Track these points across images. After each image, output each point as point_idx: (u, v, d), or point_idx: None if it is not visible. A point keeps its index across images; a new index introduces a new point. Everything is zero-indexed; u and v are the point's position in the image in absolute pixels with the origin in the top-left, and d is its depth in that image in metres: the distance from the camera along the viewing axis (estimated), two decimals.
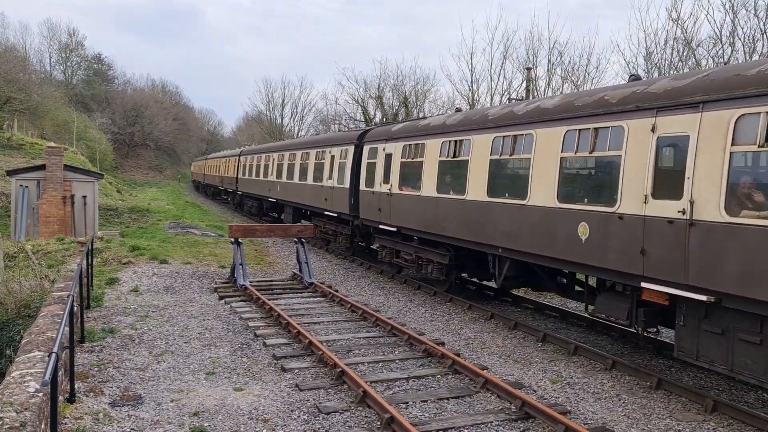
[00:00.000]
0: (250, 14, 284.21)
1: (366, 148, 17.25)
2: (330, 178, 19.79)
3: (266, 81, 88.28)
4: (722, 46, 21.64)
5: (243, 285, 14.04)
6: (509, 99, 15.56)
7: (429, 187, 13.50)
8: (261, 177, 29.99)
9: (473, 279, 14.88)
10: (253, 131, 74.05)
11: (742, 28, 21.37)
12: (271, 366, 8.95)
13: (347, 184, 18.24)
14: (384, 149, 15.90)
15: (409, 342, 10.15)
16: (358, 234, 18.78)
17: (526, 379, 8.71)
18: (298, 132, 62.98)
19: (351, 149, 18.38)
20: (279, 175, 26.43)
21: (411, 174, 14.52)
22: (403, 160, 14.83)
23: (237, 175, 36.62)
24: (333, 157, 19.80)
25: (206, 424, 6.81)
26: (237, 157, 37.64)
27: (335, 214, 19.55)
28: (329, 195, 19.80)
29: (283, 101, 66.36)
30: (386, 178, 15.56)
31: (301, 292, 14.32)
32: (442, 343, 10.21)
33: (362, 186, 17.14)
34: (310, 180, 22.07)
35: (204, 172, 56.59)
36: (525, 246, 10.40)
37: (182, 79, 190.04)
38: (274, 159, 27.93)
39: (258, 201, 31.76)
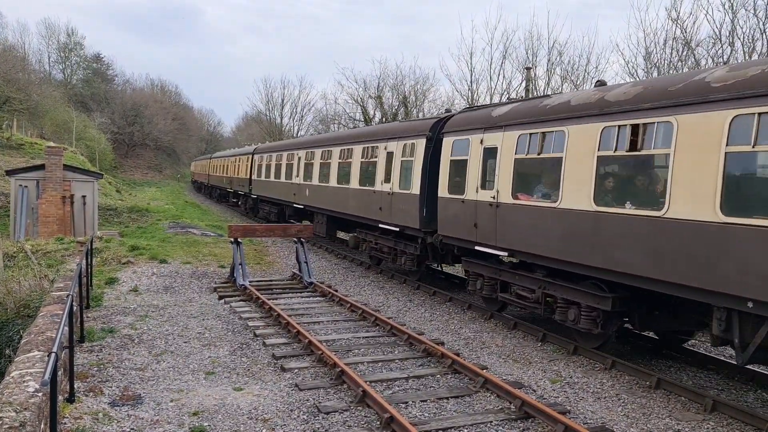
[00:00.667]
0: (250, 14, 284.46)
1: (448, 142, 13.10)
2: (387, 181, 15.64)
3: (266, 81, 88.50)
4: (722, 46, 21.66)
5: (242, 285, 14.04)
6: (509, 99, 14.81)
7: (576, 195, 9.27)
8: (283, 179, 25.80)
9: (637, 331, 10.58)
10: (252, 131, 74.08)
11: (742, 28, 21.40)
12: (271, 366, 8.95)
13: (416, 190, 14.16)
14: (482, 141, 11.78)
15: (409, 342, 10.15)
16: (430, 255, 14.58)
17: (525, 378, 8.72)
18: (298, 131, 63.01)
19: (421, 143, 14.22)
20: (308, 176, 22.26)
21: (537, 176, 10.70)
22: (521, 156, 10.72)
23: (250, 176, 32.64)
24: (390, 154, 15.68)
25: (206, 424, 6.81)
26: (249, 156, 33.49)
27: (395, 228, 15.29)
28: (386, 203, 15.65)
29: (283, 101, 66.44)
30: (487, 182, 11.62)
31: (300, 292, 14.32)
32: (442, 343, 10.22)
33: (442, 192, 13.12)
34: (354, 183, 17.80)
35: (208, 172, 52.42)
36: None
37: (182, 78, 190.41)
38: (300, 158, 23.65)
39: (278, 206, 27.54)
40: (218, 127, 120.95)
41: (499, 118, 11.57)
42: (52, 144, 26.28)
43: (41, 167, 23.10)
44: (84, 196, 23.16)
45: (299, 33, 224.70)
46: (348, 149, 18.63)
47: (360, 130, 20.64)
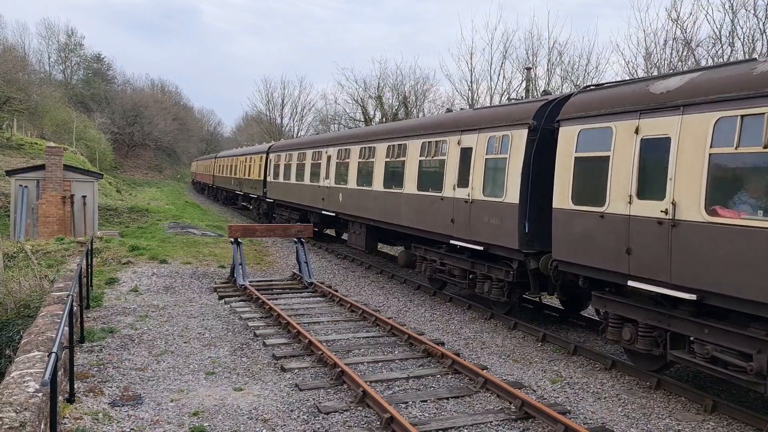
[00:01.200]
0: (248, 13, 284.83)
1: (570, 132, 9.60)
2: (463, 185, 12.25)
3: (266, 81, 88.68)
4: (722, 46, 21.67)
5: (243, 285, 14.04)
6: (509, 99, 14.24)
7: None
8: (306, 181, 22.51)
9: None
10: (253, 131, 74.15)
11: (742, 28, 21.42)
12: (271, 366, 8.95)
13: (513, 198, 10.82)
14: (637, 130, 8.34)
15: (409, 342, 10.15)
16: (532, 283, 10.99)
17: (525, 378, 8.72)
18: (298, 132, 63.05)
19: (520, 135, 10.83)
20: (341, 178, 19.00)
21: (760, 181, 6.98)
22: (723, 150, 7.24)
23: (264, 177, 29.48)
24: (467, 150, 12.27)
25: (206, 424, 6.81)
26: (263, 155, 30.16)
27: (476, 247, 11.89)
28: (461, 214, 12.27)
29: (283, 101, 66.54)
30: (651, 189, 8.16)
31: (300, 292, 14.32)
32: (442, 343, 10.22)
33: (560, 202, 9.68)
34: (410, 187, 14.48)
35: (213, 173, 48.46)
36: None
37: (182, 79, 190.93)
38: (329, 156, 20.23)
39: (300, 212, 24.13)
40: (218, 127, 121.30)
41: (669, 96, 8.09)
42: (52, 144, 26.33)
43: (41, 167, 23.14)
44: (84, 196, 23.19)
45: (298, 32, 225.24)
46: (400, 145, 15.26)
47: (418, 122, 16.67)
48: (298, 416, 7.11)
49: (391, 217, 15.46)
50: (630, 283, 8.44)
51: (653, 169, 8.20)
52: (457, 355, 9.39)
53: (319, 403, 7.48)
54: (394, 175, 15.42)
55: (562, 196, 9.68)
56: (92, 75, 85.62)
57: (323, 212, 20.59)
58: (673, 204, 7.75)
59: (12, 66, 50.17)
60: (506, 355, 9.90)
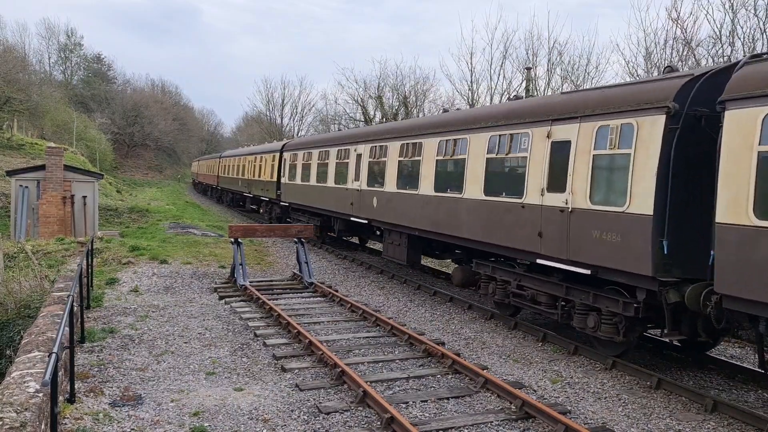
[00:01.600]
0: (248, 13, 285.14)
1: (749, 117, 6.91)
2: (556, 188, 9.70)
3: (266, 81, 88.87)
4: (722, 46, 21.65)
5: (243, 285, 14.04)
6: (509, 98, 13.82)
7: None
8: (330, 183, 19.84)
9: None
10: (253, 131, 74.15)
11: (742, 28, 21.39)
12: (271, 366, 8.95)
13: (643, 207, 8.15)
14: None
15: (409, 342, 10.15)
16: (669, 321, 8.25)
17: (526, 378, 8.72)
18: (298, 132, 63.04)
19: (653, 125, 8.14)
20: (375, 180, 16.50)
21: None
22: None
23: (278, 178, 27.05)
24: (562, 145, 9.69)
25: (206, 424, 6.81)
26: (276, 154, 27.59)
27: (581, 270, 9.17)
28: (555, 226, 9.67)
29: (283, 101, 66.61)
30: None
31: (301, 292, 14.32)
32: (442, 343, 10.22)
33: (728, 215, 7.05)
34: (473, 191, 11.93)
35: (218, 173, 45.78)
36: None
37: (182, 79, 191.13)
38: (360, 155, 17.58)
39: (322, 218, 21.53)
40: (218, 128, 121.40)
41: None
42: (52, 144, 26.33)
43: (42, 167, 23.15)
44: (84, 197, 23.20)
45: (298, 32, 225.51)
46: (456, 140, 12.78)
47: (481, 111, 13.21)
48: (299, 416, 7.11)
49: (444, 227, 12.92)
50: None
51: None
52: (458, 355, 9.39)
53: (320, 403, 7.48)
54: (450, 177, 12.97)
55: (734, 207, 6.96)
56: (92, 75, 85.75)
57: (352, 219, 17.91)
58: None
59: (12, 66, 50.17)
60: (506, 355, 9.90)
